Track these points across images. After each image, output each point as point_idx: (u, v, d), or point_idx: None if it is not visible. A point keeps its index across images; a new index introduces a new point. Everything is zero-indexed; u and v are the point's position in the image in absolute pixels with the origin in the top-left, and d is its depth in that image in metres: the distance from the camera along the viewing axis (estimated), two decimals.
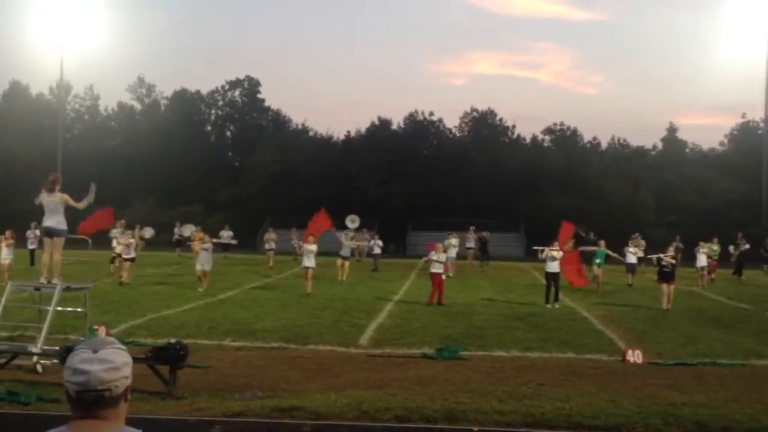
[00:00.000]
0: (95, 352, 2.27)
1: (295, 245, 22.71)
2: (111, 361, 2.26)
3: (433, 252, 20.80)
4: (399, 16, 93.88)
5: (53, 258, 12.21)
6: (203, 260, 22.52)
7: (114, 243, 27.76)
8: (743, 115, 61.30)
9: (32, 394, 9.20)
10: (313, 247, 21.82)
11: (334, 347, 13.51)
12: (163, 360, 9.84)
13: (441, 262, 20.47)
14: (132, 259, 24.21)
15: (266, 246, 32.96)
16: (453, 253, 29.58)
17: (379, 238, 34.84)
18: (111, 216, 24.76)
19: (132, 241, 24.52)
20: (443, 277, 20.29)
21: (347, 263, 26.95)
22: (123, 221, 29.55)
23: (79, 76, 66.37)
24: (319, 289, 22.58)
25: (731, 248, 32.41)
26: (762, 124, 55.95)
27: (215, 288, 22.75)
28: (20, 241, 30.65)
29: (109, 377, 2.24)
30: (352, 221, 35.12)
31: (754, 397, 9.81)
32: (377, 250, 32.79)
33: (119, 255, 26.49)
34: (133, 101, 67.91)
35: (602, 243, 25.01)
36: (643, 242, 29.11)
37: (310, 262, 21.60)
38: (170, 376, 9.77)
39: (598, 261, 24.31)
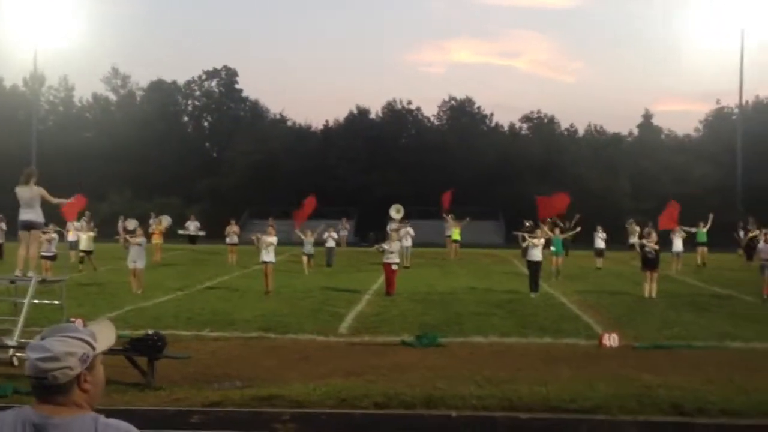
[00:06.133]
0: (42, 339, 2.33)
1: (254, 237, 21.58)
2: (49, 350, 2.29)
3: (386, 242, 20.64)
4: (377, 4, 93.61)
5: (29, 251, 12.15)
6: (135, 256, 19.66)
7: (72, 236, 27.00)
8: (718, 102, 61.97)
9: (9, 387, 9.14)
10: (274, 240, 20.36)
11: (314, 336, 13.54)
12: (141, 351, 9.79)
13: (393, 252, 20.04)
14: (52, 257, 22.33)
15: (227, 240, 30.31)
16: (408, 242, 29.39)
17: (335, 231, 31.07)
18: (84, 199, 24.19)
19: (54, 236, 22.57)
20: (394, 267, 19.87)
21: (312, 260, 26.30)
22: (89, 213, 29.01)
23: (52, 68, 65.64)
24: (299, 280, 22.64)
25: (740, 233, 32.24)
26: (736, 110, 56.55)
27: (194, 279, 22.71)
28: None
29: (45, 366, 2.28)
30: (397, 211, 33.64)
31: (728, 378, 9.94)
32: (331, 243, 29.32)
33: (85, 251, 25.93)
34: (108, 92, 67.38)
35: (557, 230, 24.94)
36: (637, 228, 29.40)
37: (269, 256, 19.90)
38: (148, 367, 9.74)
39: (553, 249, 24.29)
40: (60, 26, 55.45)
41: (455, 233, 33.37)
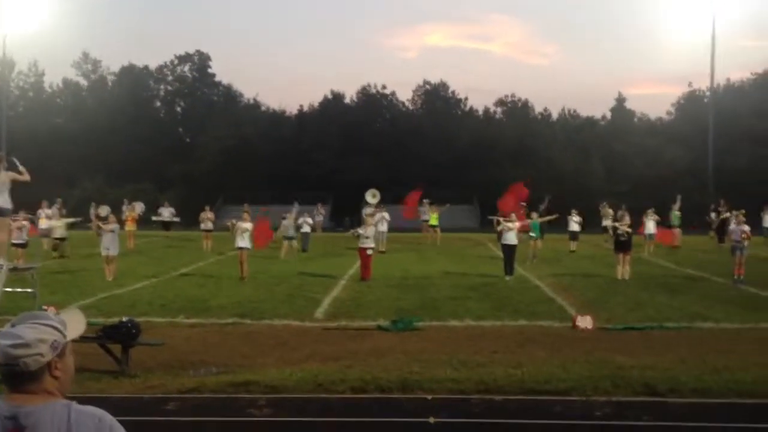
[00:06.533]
0: (13, 326, 2.33)
1: (229, 223, 21.33)
2: (20, 337, 2.28)
3: (361, 226, 20.63)
4: None
5: None
6: (108, 244, 19.38)
7: (44, 223, 26.50)
8: (689, 84, 62.39)
9: None
10: (248, 226, 20.28)
11: (290, 321, 13.54)
12: (115, 338, 9.72)
13: (368, 237, 20.03)
14: (23, 245, 21.86)
15: (202, 226, 29.55)
16: (384, 227, 29.30)
17: (310, 216, 30.62)
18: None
19: (25, 224, 22.13)
20: (369, 252, 19.87)
21: (294, 243, 26.36)
22: (60, 200, 28.37)
23: (22, 53, 64.61)
24: (275, 265, 22.60)
25: (713, 215, 32.65)
26: (708, 93, 57.04)
27: (168, 266, 22.56)
28: None
29: (16, 353, 2.28)
30: (373, 196, 33.21)
31: (699, 358, 10.10)
32: (306, 228, 28.81)
33: (60, 239, 25.59)
34: (78, 77, 66.38)
35: (534, 215, 25.04)
36: (610, 211, 29.66)
37: (244, 242, 19.81)
38: (122, 354, 9.67)
39: (532, 234, 24.39)
40: (29, 11, 54.56)
41: (433, 218, 33.30)
